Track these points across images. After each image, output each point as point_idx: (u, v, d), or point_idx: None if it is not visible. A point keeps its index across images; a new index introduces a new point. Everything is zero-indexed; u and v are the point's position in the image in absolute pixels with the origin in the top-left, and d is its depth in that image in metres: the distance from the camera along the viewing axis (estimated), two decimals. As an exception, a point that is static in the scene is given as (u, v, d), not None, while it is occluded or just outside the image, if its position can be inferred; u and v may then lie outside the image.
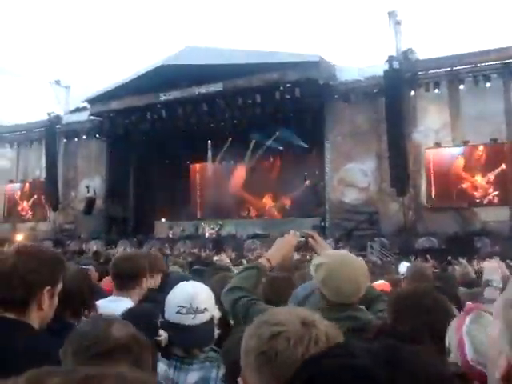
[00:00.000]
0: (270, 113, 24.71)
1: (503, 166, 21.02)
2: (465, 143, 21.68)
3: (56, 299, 2.19)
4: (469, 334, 1.65)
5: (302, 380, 0.90)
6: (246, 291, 2.67)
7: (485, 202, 21.32)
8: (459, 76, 21.75)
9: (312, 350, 1.23)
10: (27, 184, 31.74)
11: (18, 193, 31.98)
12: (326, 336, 1.27)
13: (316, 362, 0.92)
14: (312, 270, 2.57)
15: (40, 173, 30.60)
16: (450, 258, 13.06)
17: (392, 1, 29.45)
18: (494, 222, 20.50)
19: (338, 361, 0.87)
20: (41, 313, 2.12)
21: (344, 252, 3.10)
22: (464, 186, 21.76)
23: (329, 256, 2.63)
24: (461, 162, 21.86)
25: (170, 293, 2.67)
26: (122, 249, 19.01)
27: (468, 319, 1.70)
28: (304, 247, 3.12)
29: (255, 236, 24.47)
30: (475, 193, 21.58)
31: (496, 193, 21.17)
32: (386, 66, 21.84)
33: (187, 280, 2.94)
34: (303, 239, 3.13)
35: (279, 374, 1.19)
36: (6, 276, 2.05)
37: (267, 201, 31.52)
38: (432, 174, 22.21)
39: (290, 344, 1.24)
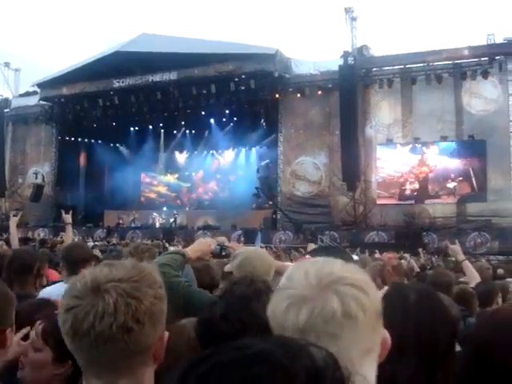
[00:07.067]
0: (225, 103, 24.61)
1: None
2: (415, 140, 22.05)
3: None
4: None
5: None
6: (174, 270, 2.82)
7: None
8: (412, 74, 22.03)
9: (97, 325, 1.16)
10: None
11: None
12: (115, 306, 1.17)
13: None
14: (232, 261, 3.03)
15: (-14, 158, 29.57)
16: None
17: (349, -3, 29.87)
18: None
19: None
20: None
21: (254, 247, 3.93)
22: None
23: (244, 249, 3.28)
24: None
25: None
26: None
27: None
28: (218, 255, 3.53)
29: (206, 227, 24.36)
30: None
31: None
32: (341, 62, 22.00)
33: None
34: (218, 247, 3.53)
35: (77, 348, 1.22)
36: None
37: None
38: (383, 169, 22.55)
39: (78, 320, 1.18)
